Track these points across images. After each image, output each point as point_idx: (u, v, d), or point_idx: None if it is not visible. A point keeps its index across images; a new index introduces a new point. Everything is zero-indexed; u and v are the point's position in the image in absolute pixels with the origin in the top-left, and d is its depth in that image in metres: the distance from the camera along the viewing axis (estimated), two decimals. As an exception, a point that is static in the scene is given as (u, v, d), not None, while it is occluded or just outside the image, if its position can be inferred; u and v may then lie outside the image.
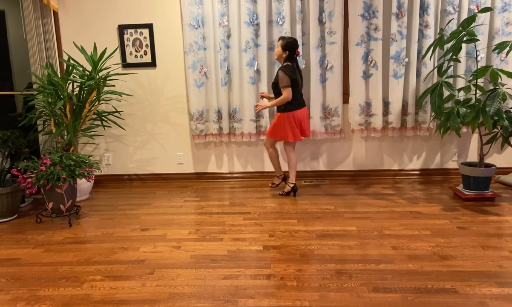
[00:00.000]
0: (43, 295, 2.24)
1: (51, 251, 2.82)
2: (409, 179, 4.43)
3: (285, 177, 4.09)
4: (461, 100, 3.77)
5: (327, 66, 4.15)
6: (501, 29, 4.02)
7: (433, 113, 4.10)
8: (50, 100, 3.72)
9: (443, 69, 3.75)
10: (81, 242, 2.95)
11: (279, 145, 4.39)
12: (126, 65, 4.33)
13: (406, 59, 4.09)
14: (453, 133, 4.35)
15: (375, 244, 2.77)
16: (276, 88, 3.70)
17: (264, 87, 4.20)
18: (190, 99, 4.27)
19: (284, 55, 3.65)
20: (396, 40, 4.03)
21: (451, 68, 4.08)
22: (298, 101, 3.71)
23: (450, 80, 4.07)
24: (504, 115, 3.44)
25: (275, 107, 3.80)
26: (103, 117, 4.10)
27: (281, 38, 3.68)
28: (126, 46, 4.29)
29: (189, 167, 4.58)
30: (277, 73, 3.63)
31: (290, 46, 3.63)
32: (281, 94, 3.63)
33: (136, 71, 4.36)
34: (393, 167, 4.47)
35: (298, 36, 4.07)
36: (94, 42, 4.03)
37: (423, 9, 4.00)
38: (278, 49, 3.67)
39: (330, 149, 4.46)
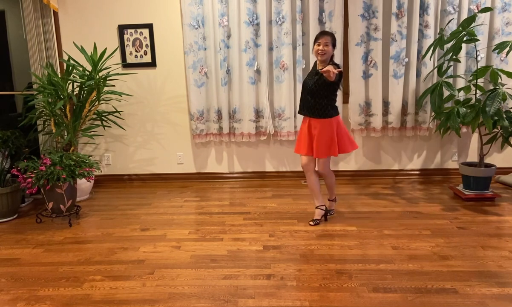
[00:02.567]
0: (43, 295, 2.24)
1: (51, 251, 2.82)
2: (409, 178, 4.43)
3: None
4: (461, 100, 3.77)
5: (327, 66, 4.15)
6: (501, 29, 4.02)
7: (433, 113, 4.10)
8: (50, 100, 3.72)
9: (443, 69, 3.75)
10: (81, 242, 2.95)
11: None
12: (126, 65, 4.33)
13: (406, 59, 4.09)
14: (453, 133, 4.34)
15: (375, 244, 2.77)
16: (322, 90, 2.98)
17: (264, 87, 4.19)
18: (191, 99, 4.27)
19: (333, 53, 3.04)
20: (396, 40, 4.03)
21: (451, 68, 4.08)
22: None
23: (450, 80, 4.07)
24: (504, 115, 3.44)
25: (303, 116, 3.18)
26: (103, 117, 4.10)
27: (325, 33, 2.98)
28: (126, 46, 4.29)
29: (189, 167, 4.58)
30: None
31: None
32: (326, 96, 3.01)
33: (136, 71, 4.36)
34: (393, 166, 4.47)
35: (298, 36, 4.06)
36: (94, 42, 4.03)
37: (423, 9, 4.00)
38: (328, 48, 2.94)
39: (330, 149, 4.46)
